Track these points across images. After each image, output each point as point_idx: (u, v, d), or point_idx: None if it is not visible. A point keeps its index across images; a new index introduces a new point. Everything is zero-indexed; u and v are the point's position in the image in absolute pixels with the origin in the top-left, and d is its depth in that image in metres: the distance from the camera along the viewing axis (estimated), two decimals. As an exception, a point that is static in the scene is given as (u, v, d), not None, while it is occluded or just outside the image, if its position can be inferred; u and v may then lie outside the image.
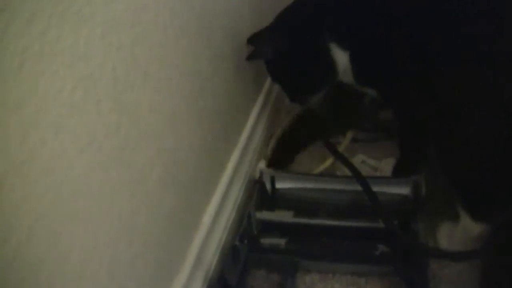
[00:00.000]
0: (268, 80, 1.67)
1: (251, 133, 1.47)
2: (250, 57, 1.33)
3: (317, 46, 1.26)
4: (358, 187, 1.24)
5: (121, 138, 0.77)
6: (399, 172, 1.40)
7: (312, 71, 1.32)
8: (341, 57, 1.24)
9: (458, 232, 1.16)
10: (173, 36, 0.95)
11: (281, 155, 1.55)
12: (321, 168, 1.50)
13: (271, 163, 1.51)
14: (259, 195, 1.34)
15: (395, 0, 1.14)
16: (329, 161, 1.50)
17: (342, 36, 1.22)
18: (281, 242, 1.21)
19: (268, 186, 1.37)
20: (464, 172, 1.09)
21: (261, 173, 1.38)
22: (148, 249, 0.89)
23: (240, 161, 1.37)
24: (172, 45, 0.95)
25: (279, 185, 1.37)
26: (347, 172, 1.33)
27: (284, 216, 1.27)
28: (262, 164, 1.51)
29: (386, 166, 1.46)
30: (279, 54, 1.33)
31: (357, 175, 1.26)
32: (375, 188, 1.23)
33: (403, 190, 1.31)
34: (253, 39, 1.35)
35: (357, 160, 1.52)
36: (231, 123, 1.33)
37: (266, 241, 1.22)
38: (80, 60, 0.66)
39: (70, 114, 0.65)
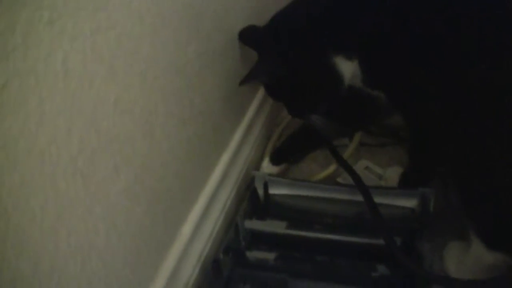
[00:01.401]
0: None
1: (246, 132, 1.35)
2: (243, 82, 1.20)
3: (320, 63, 1.13)
4: (361, 198, 1.11)
5: (72, 144, 0.66)
6: (406, 183, 1.27)
7: (315, 89, 1.18)
8: (348, 69, 1.11)
9: (469, 258, 1.04)
10: (151, 25, 0.83)
11: (286, 151, 1.44)
12: (322, 175, 1.38)
13: (274, 158, 1.41)
14: (249, 201, 1.22)
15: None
16: (331, 168, 1.38)
17: (348, 46, 1.09)
18: (270, 257, 1.10)
19: (260, 192, 1.24)
20: (482, 195, 0.96)
21: (253, 177, 1.25)
22: (109, 271, 0.77)
23: (232, 163, 1.25)
24: (149, 36, 0.83)
25: (273, 191, 1.25)
26: (349, 179, 1.20)
27: (276, 226, 1.16)
28: (265, 162, 1.41)
29: (392, 174, 1.34)
30: (277, 77, 1.19)
31: (358, 183, 1.14)
32: (379, 199, 1.11)
33: (410, 203, 1.19)
34: (244, 39, 1.25)
35: (361, 165, 1.41)
36: (223, 123, 1.21)
37: (253, 255, 1.10)
38: (16, 51, 0.54)
39: (-2, 118, 0.53)
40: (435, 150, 1.17)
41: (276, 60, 1.15)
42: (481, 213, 0.97)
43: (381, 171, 1.38)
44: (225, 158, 1.22)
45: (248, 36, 1.23)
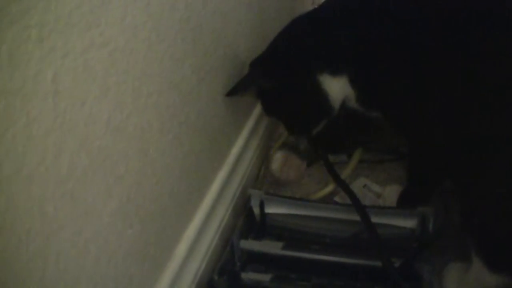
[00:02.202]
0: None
1: (244, 148, 1.33)
2: (230, 93, 1.19)
3: (305, 82, 1.13)
4: (359, 217, 1.10)
5: (62, 165, 0.63)
6: (405, 202, 1.25)
7: (303, 110, 1.21)
8: (335, 87, 1.10)
9: (469, 280, 1.01)
10: (146, 40, 0.81)
11: None
12: (321, 194, 1.35)
13: None
14: (245, 221, 1.19)
15: (395, 11, 1.00)
16: (330, 187, 1.35)
17: (334, 62, 1.08)
18: (265, 278, 1.07)
19: (256, 211, 1.22)
20: (485, 215, 0.93)
21: (249, 196, 1.23)
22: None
23: (228, 180, 1.23)
24: (144, 51, 0.81)
25: (269, 210, 1.22)
26: (348, 198, 1.18)
27: (272, 247, 1.13)
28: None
29: (391, 193, 1.31)
30: (267, 91, 1.22)
31: (355, 203, 1.12)
32: (377, 219, 1.10)
33: (409, 223, 1.16)
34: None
35: (359, 184, 1.38)
36: (219, 139, 1.18)
37: (248, 276, 1.08)
38: (2, 70, 0.52)
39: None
40: (436, 168, 1.15)
41: (263, 73, 1.17)
42: (483, 233, 0.95)
43: (380, 189, 1.35)
44: (221, 175, 1.20)
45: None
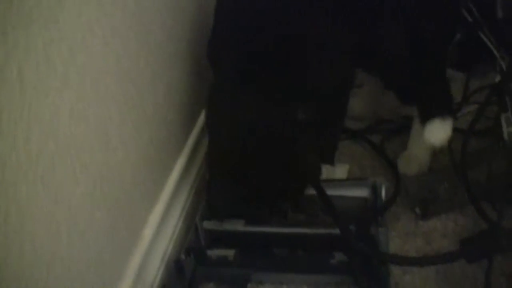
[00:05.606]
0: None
1: (201, 135, 1.38)
2: None
3: None
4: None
5: (31, 151, 0.68)
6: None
7: None
8: None
9: None
10: (101, 36, 0.86)
11: None
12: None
13: None
14: (207, 202, 1.24)
15: None
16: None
17: None
18: (230, 253, 1.13)
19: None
20: None
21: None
22: (73, 274, 0.80)
23: (188, 166, 1.29)
24: (100, 46, 0.86)
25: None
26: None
27: (235, 224, 1.18)
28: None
29: (340, 169, 1.38)
30: None
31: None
32: (331, 192, 1.15)
33: (361, 193, 1.23)
34: None
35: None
36: (177, 128, 1.24)
37: (214, 253, 1.14)
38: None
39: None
40: None
41: None
42: None
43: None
44: (181, 162, 1.25)
45: None
